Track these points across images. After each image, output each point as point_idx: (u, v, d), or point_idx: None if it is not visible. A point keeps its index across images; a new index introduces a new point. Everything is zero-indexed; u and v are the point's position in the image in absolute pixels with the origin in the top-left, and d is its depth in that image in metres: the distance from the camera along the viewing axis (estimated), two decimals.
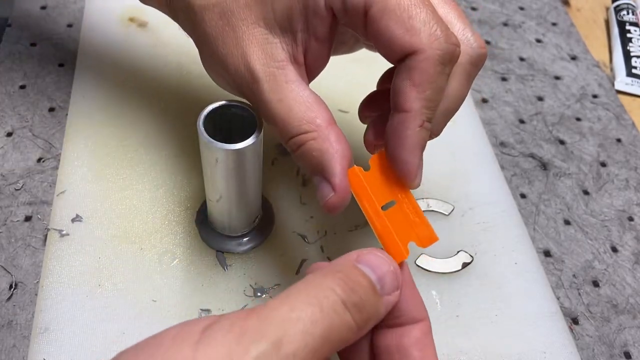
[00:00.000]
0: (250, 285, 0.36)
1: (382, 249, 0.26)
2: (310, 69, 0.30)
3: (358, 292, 0.22)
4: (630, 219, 0.43)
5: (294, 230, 0.39)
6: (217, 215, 0.36)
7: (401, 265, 0.26)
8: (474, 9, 0.58)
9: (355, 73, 0.49)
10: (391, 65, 0.30)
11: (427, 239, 0.26)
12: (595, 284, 0.39)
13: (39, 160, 0.41)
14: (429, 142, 0.44)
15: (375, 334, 0.25)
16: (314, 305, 0.21)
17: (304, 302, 0.21)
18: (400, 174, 0.27)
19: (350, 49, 0.36)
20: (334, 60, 0.49)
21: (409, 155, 0.27)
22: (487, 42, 0.55)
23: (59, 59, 0.47)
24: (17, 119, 0.43)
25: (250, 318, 0.20)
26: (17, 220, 0.38)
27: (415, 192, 0.41)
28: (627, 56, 0.55)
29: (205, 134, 0.29)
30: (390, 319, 0.25)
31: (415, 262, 0.38)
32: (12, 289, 0.35)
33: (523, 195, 0.43)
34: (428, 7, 0.26)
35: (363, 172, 0.27)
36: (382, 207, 0.27)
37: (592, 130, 0.49)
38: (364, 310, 0.22)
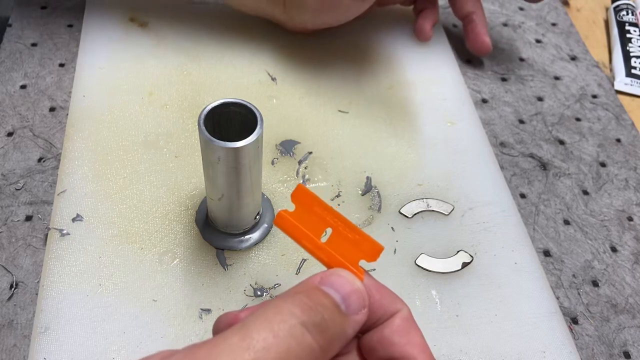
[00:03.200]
0: (251, 285, 0.36)
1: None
2: None
3: (320, 313, 0.22)
4: (630, 219, 0.43)
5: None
6: (218, 214, 0.36)
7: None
8: None
9: (355, 74, 0.49)
10: None
11: (374, 252, 0.26)
12: (595, 283, 0.39)
13: (39, 160, 0.41)
14: (428, 143, 0.45)
15: (360, 338, 0.25)
16: (267, 330, 0.20)
17: (257, 328, 0.21)
18: None
19: None
20: (334, 61, 0.50)
21: None
22: None
23: (59, 58, 0.47)
24: (18, 118, 0.43)
25: (202, 349, 0.20)
26: (18, 220, 0.38)
27: (415, 192, 0.42)
28: (627, 56, 0.55)
29: (206, 133, 0.29)
30: (369, 323, 0.25)
31: (415, 262, 0.38)
32: (12, 289, 0.35)
33: (523, 195, 0.43)
34: None
35: (290, 213, 0.26)
36: (320, 239, 0.26)
37: (591, 130, 0.49)
38: (327, 331, 0.22)
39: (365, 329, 0.25)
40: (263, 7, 0.47)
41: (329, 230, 0.26)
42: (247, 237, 0.38)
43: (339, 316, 0.23)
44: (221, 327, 0.25)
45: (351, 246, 0.26)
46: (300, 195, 0.27)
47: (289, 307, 0.22)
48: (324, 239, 0.26)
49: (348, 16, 0.45)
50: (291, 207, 0.40)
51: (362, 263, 0.26)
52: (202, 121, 0.30)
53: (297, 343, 0.21)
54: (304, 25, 0.48)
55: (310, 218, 0.26)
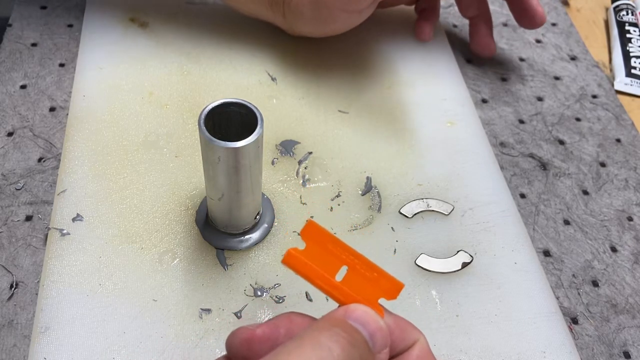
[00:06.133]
0: (251, 284, 0.36)
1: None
2: None
3: (358, 350, 0.21)
4: (630, 219, 0.43)
5: (294, 230, 0.39)
6: (218, 214, 0.36)
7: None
8: None
9: (355, 74, 0.49)
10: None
11: (393, 289, 0.25)
12: (595, 283, 0.39)
13: (39, 160, 0.41)
14: (428, 143, 0.45)
15: None
16: None
17: None
18: None
19: None
20: (334, 61, 0.50)
21: None
22: None
23: (59, 58, 0.47)
24: (18, 118, 0.43)
25: None
26: (18, 220, 0.38)
27: (415, 192, 0.42)
28: (627, 56, 0.55)
29: (206, 133, 0.29)
30: (390, 356, 0.24)
31: (415, 262, 0.38)
32: (12, 289, 0.35)
33: (523, 195, 0.43)
34: None
35: (300, 251, 0.25)
36: (335, 278, 0.25)
37: (591, 130, 0.49)
38: None
39: None
40: (264, 13, 0.47)
41: (344, 269, 0.25)
42: (247, 237, 0.38)
43: (369, 354, 0.22)
44: (236, 342, 0.24)
45: (369, 284, 0.25)
46: (311, 231, 0.25)
47: (327, 342, 0.21)
48: (339, 277, 0.25)
49: (346, 27, 0.45)
50: (289, 206, 0.40)
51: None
52: (202, 121, 0.30)
53: None
54: (303, 34, 0.48)
55: (323, 256, 0.25)
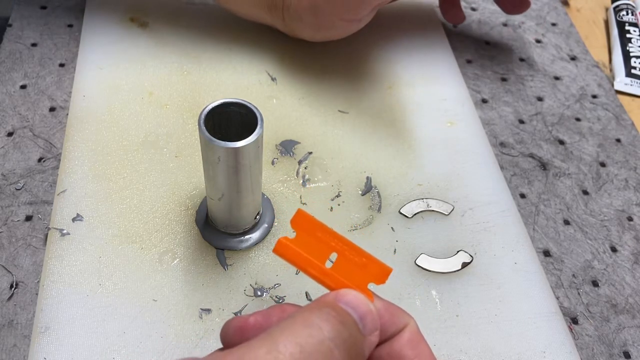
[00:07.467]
0: (251, 284, 0.36)
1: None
2: None
3: (348, 329, 0.22)
4: (630, 219, 0.43)
5: (294, 230, 0.39)
6: (218, 214, 0.36)
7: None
8: (473, 9, 0.58)
9: (355, 74, 0.49)
10: None
11: (382, 274, 0.25)
12: (595, 283, 0.39)
13: (39, 160, 0.41)
14: (428, 143, 0.45)
15: None
16: (295, 345, 0.20)
17: (285, 342, 0.20)
18: None
19: None
20: (334, 61, 0.50)
21: None
22: (487, 43, 0.55)
23: (59, 58, 0.47)
24: (18, 118, 0.43)
25: (226, 358, 0.20)
26: (18, 220, 0.38)
27: (415, 192, 0.42)
28: (627, 56, 0.55)
29: (206, 133, 0.29)
30: (379, 341, 0.24)
31: (415, 262, 0.38)
32: (12, 289, 0.35)
33: (523, 195, 0.43)
34: None
35: (291, 239, 0.25)
36: (325, 265, 0.25)
37: (591, 130, 0.49)
38: (352, 349, 0.21)
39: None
40: (263, 17, 0.47)
41: (334, 256, 0.25)
42: (247, 237, 0.38)
43: (360, 335, 0.22)
44: (230, 332, 0.24)
45: (358, 270, 0.25)
46: (301, 220, 0.25)
47: (318, 321, 0.21)
48: (328, 265, 0.25)
49: (345, 33, 0.45)
50: (289, 206, 0.40)
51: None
52: (202, 121, 0.30)
53: (324, 359, 0.20)
54: (303, 38, 0.48)
55: (313, 244, 0.25)
